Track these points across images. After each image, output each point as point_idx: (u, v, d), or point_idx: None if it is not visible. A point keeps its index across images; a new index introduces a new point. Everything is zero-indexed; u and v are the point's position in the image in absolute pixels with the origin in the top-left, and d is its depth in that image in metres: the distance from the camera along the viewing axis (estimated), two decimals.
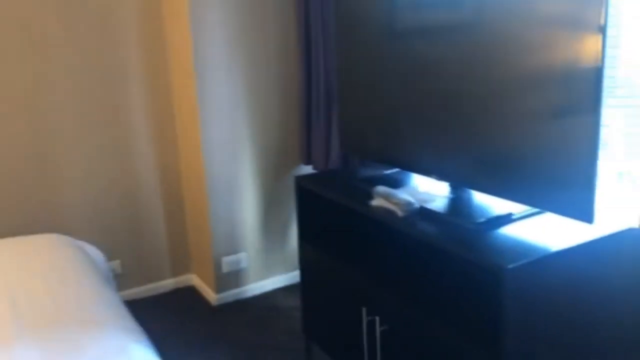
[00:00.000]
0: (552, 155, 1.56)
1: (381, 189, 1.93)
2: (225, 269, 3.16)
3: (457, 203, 1.89)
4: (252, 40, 2.97)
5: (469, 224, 1.69)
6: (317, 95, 2.97)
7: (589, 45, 1.42)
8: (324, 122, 2.95)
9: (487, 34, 1.69)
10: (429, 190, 2.01)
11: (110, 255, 3.08)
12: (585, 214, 1.50)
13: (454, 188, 1.99)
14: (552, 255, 1.48)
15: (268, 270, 3.31)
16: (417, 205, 1.84)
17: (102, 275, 2.16)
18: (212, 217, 3.05)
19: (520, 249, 1.51)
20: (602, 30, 1.39)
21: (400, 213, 1.82)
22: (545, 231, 1.62)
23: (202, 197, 3.07)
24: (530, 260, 1.45)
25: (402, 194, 1.87)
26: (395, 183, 2.13)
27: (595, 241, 1.55)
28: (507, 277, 1.42)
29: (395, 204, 1.84)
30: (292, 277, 3.37)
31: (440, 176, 1.97)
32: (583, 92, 1.45)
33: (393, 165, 2.23)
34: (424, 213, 1.83)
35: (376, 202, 1.93)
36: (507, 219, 1.71)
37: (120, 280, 3.10)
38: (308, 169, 3.25)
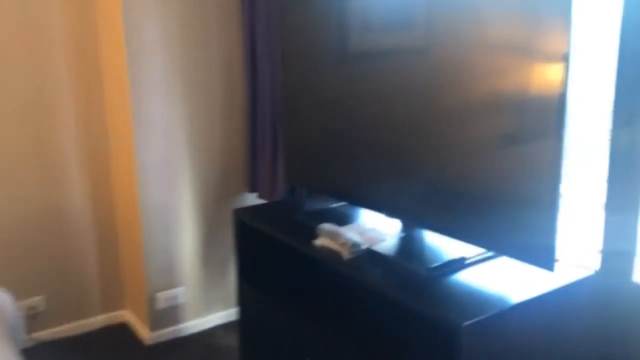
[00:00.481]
0: (509, 194, 1.42)
1: (326, 226, 1.76)
2: (160, 305, 2.91)
3: (408, 244, 1.73)
4: (194, 59, 2.77)
5: (420, 270, 1.53)
6: (263, 119, 2.80)
7: (551, 75, 1.30)
8: (270, 148, 2.77)
9: (442, 61, 1.55)
10: (378, 228, 1.85)
11: (30, 292, 2.79)
12: (545, 260, 1.36)
13: (405, 226, 1.84)
14: (510, 309, 1.33)
15: (207, 307, 3.07)
16: (364, 246, 1.67)
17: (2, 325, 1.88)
18: (146, 249, 2.81)
19: (476, 301, 1.36)
20: (565, 58, 1.27)
21: (345, 255, 1.65)
22: (501, 279, 1.48)
23: (135, 227, 2.83)
24: (488, 315, 1.29)
25: (349, 233, 1.71)
26: (343, 218, 1.96)
27: (556, 291, 1.42)
28: (463, 334, 1.26)
29: (341, 244, 1.67)
30: (233, 313, 3.14)
31: (391, 213, 1.81)
32: (544, 125, 1.32)
33: (340, 198, 2.07)
34: (372, 255, 1.66)
35: (320, 241, 1.75)
36: (460, 263, 1.57)
37: (43, 318, 2.82)
38: (253, 198, 3.06)
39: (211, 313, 3.09)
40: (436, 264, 1.54)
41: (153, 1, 2.60)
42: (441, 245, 1.69)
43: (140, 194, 2.74)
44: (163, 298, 2.91)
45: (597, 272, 1.60)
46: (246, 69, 2.83)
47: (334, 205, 2.12)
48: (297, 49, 2.12)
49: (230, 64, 2.88)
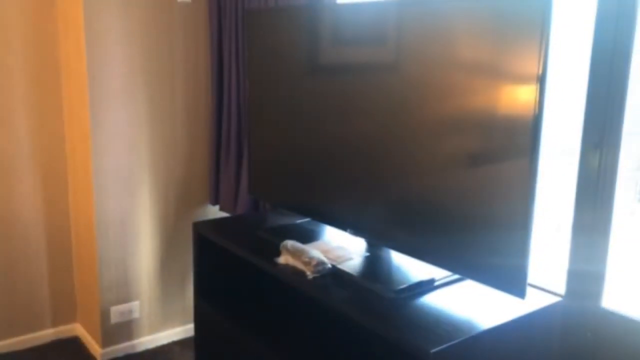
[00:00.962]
0: (478, 216, 1.38)
1: (289, 243, 1.69)
2: (114, 319, 2.78)
3: (374, 263, 1.67)
4: (157, 65, 2.68)
5: (386, 292, 1.47)
6: (228, 129, 2.72)
7: (525, 95, 1.26)
8: (235, 160, 2.69)
9: (410, 79, 1.51)
10: (344, 246, 1.78)
11: None
12: (516, 287, 1.32)
13: (371, 245, 1.78)
14: (479, 335, 1.28)
15: (164, 322, 2.96)
16: (329, 265, 1.60)
17: None
18: (101, 260, 2.69)
19: (445, 327, 1.30)
20: (540, 79, 1.24)
21: (309, 274, 1.58)
22: (470, 303, 1.43)
23: (90, 236, 2.71)
24: (457, 341, 1.24)
25: (313, 251, 1.64)
26: (307, 235, 1.90)
27: (525, 317, 1.37)
28: None
29: (305, 262, 1.60)
30: (191, 329, 3.02)
31: (356, 231, 1.75)
32: (517, 146, 1.28)
33: (304, 214, 2.00)
34: (337, 275, 1.59)
35: (284, 258, 1.68)
36: (428, 285, 1.51)
37: None
38: (215, 210, 2.96)
39: (168, 329, 2.97)
40: (403, 286, 1.48)
41: (116, 5, 2.51)
42: (408, 266, 1.63)
43: (96, 203, 2.62)
44: (117, 312, 2.79)
45: (564, 297, 1.56)
46: (212, 76, 2.75)
47: (298, 221, 2.05)
48: (264, 61, 2.05)
49: (195, 71, 2.80)
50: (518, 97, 1.28)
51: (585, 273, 1.63)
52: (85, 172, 2.65)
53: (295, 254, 1.64)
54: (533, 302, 1.43)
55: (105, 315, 2.76)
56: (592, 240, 1.62)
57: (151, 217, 2.80)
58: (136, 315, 2.85)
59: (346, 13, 1.72)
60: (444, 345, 1.21)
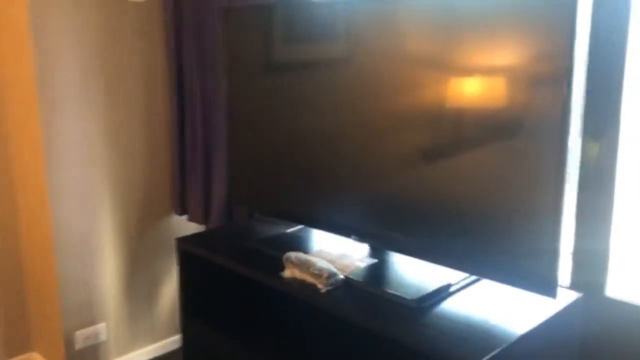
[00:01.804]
0: (501, 210, 1.34)
1: (294, 255, 1.60)
2: (79, 344, 2.59)
3: (384, 270, 1.61)
4: (112, 69, 2.50)
5: (408, 302, 1.41)
6: (193, 135, 2.57)
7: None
8: (202, 167, 2.55)
9: (401, 68, 1.45)
10: (347, 254, 1.71)
11: None
12: (546, 287, 1.29)
13: (375, 250, 1.72)
14: (518, 341, 1.25)
15: (133, 342, 2.78)
16: (341, 276, 1.52)
17: None
18: (61, 283, 2.48)
19: (480, 335, 1.26)
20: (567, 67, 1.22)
21: (322, 288, 1.49)
22: (493, 305, 1.40)
23: (47, 258, 2.49)
24: (498, 350, 1.19)
25: (321, 262, 1.55)
26: (303, 245, 1.81)
27: (555, 316, 1.35)
28: None
29: (316, 275, 1.51)
30: (162, 346, 2.87)
31: (360, 237, 1.68)
32: (545, 124, 1.25)
33: (295, 221, 1.91)
34: (350, 286, 1.52)
35: (289, 272, 1.58)
36: (445, 291, 1.47)
37: None
38: (180, 221, 2.81)
39: (137, 349, 2.80)
40: (423, 294, 1.43)
41: (65, 5, 2.31)
42: (419, 270, 1.58)
43: (54, 220, 2.41)
44: (82, 337, 2.59)
45: (569, 289, 1.56)
46: (171, 79, 2.59)
47: (289, 230, 1.96)
48: (243, 59, 1.94)
49: (153, 74, 2.63)
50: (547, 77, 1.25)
51: (588, 264, 1.64)
52: (38, 188, 2.44)
53: (302, 266, 1.55)
54: (560, 300, 1.41)
55: (69, 341, 2.56)
56: (594, 231, 1.63)
57: (114, 232, 2.62)
58: (103, 338, 2.67)
59: (327, 10, 1.65)
60: (488, 356, 1.17)
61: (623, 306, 1.61)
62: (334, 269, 1.53)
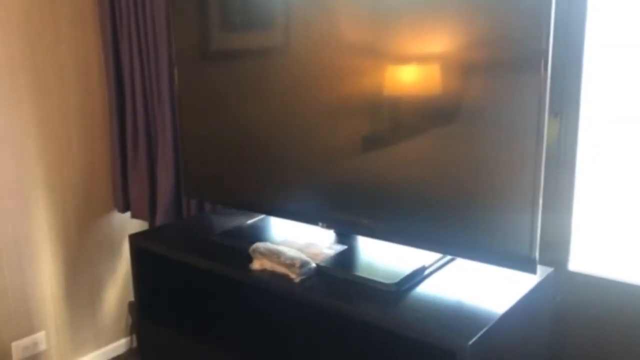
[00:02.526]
0: (475, 187, 1.33)
1: (262, 246, 1.53)
2: (17, 355, 2.41)
3: (355, 256, 1.57)
4: (43, 60, 2.32)
5: (387, 286, 1.37)
6: (134, 126, 2.43)
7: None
8: (145, 160, 2.42)
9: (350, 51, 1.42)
10: (313, 242, 1.66)
11: None
12: (524, 263, 1.29)
13: (340, 236, 1.67)
14: (503, 317, 1.24)
15: (77, 349, 2.62)
16: (313, 264, 1.47)
17: None
18: None
19: (465, 314, 1.24)
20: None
21: (295, 277, 1.43)
22: (471, 284, 1.39)
23: None
24: (486, 329, 1.18)
25: (292, 251, 1.49)
26: (267, 235, 1.74)
27: (533, 290, 1.36)
28: (468, 354, 1.13)
29: (288, 265, 1.45)
30: (108, 352, 2.72)
31: (328, 223, 1.63)
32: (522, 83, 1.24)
33: (257, 210, 1.83)
34: (324, 274, 1.47)
35: (259, 263, 1.51)
36: (421, 274, 1.44)
37: None
38: (123, 218, 2.66)
39: (81, 356, 2.64)
40: (401, 277, 1.40)
41: None
42: (387, 254, 1.55)
43: None
44: (20, 347, 2.42)
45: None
46: (108, 69, 2.43)
47: (250, 221, 1.88)
48: (188, 48, 1.84)
49: (88, 64, 2.47)
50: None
51: (552, 239, 1.67)
52: None
53: (272, 256, 1.48)
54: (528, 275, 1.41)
55: (5, 352, 2.37)
56: (557, 206, 1.66)
57: (50, 234, 2.44)
58: (43, 347, 2.49)
59: None
60: (477, 336, 1.15)
61: (587, 279, 1.65)
62: (305, 257, 1.47)
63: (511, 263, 1.30)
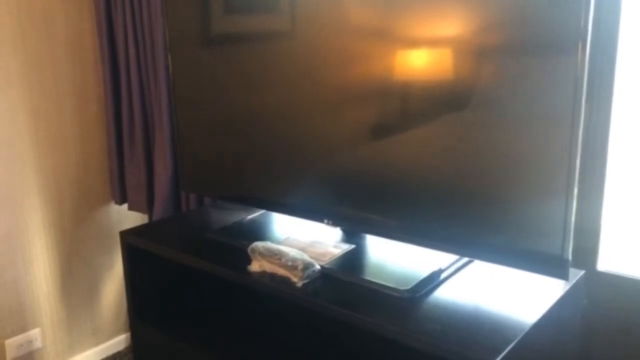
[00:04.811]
0: (499, 181, 1.18)
1: (261, 245, 1.39)
2: (11, 354, 2.31)
3: (364, 257, 1.43)
4: (34, 45, 2.18)
5: (399, 292, 1.23)
6: (130, 114, 2.30)
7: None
8: (142, 150, 2.29)
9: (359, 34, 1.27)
10: (319, 240, 1.52)
11: None
12: (555, 268, 1.14)
13: (350, 235, 1.53)
14: (530, 330, 1.10)
15: (74, 346, 2.51)
16: (317, 267, 1.33)
17: None
18: None
19: (488, 326, 1.10)
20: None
21: (298, 281, 1.30)
22: (492, 291, 1.24)
23: None
24: (514, 344, 1.04)
25: (294, 252, 1.36)
26: (268, 232, 1.61)
27: (565, 297, 1.21)
28: None
29: (290, 267, 1.31)
30: (106, 348, 2.62)
31: (334, 220, 1.49)
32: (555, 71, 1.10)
33: (256, 205, 1.69)
34: (329, 278, 1.33)
35: (258, 265, 1.38)
36: (437, 278, 1.30)
37: None
38: (120, 210, 2.54)
39: (78, 353, 2.53)
40: (415, 282, 1.26)
41: None
42: (398, 255, 1.41)
43: None
44: (14, 345, 2.31)
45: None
46: (103, 48, 2.29)
47: (249, 216, 1.74)
48: (184, 31, 1.69)
49: (81, 47, 2.33)
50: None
51: (580, 237, 1.52)
52: None
53: (273, 257, 1.35)
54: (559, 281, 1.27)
55: None
56: (586, 201, 1.51)
57: (45, 227, 2.32)
58: (38, 344, 2.38)
59: None
60: (506, 350, 1.01)
61: (616, 280, 1.51)
62: (309, 259, 1.33)
63: (539, 267, 1.16)
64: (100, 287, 2.56)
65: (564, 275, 1.13)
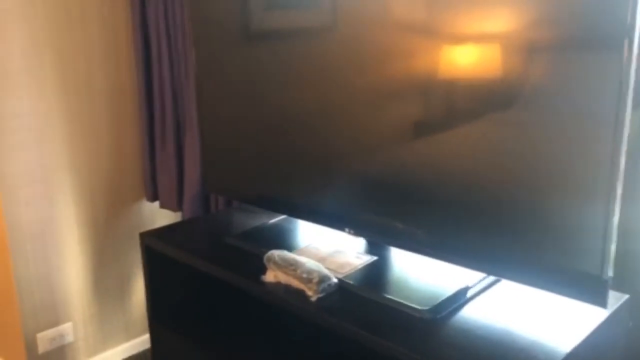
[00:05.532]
0: (533, 195, 1.07)
1: (277, 254, 1.32)
2: (43, 347, 2.33)
3: (386, 271, 1.34)
4: (68, 40, 2.18)
5: (420, 312, 1.14)
6: (162, 111, 2.27)
7: None
8: (174, 150, 2.26)
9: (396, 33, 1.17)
10: (340, 249, 1.44)
11: None
12: (593, 294, 1.03)
13: (373, 245, 1.45)
14: (568, 357, 0.99)
15: (104, 341, 2.52)
16: (334, 280, 1.25)
17: None
18: (19, 282, 2.21)
19: (515, 356, 0.99)
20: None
21: (312, 295, 1.22)
22: (522, 314, 1.14)
23: (1, 256, 2.20)
24: None
25: (310, 262, 1.28)
26: (289, 238, 1.54)
27: (604, 323, 1.10)
28: None
29: (304, 280, 1.24)
30: (136, 345, 2.62)
31: (356, 230, 1.41)
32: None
33: (277, 210, 1.62)
34: (346, 292, 1.25)
35: (272, 275, 1.31)
36: (463, 296, 1.20)
37: None
38: (153, 208, 2.53)
39: (110, 348, 2.54)
40: (438, 302, 1.16)
41: None
42: (424, 269, 1.32)
43: (6, 213, 2.12)
44: (46, 339, 2.33)
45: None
46: (137, 51, 2.27)
47: (272, 220, 1.68)
48: (211, 28, 1.64)
49: (115, 43, 2.31)
50: None
51: (624, 253, 1.39)
52: None
53: (288, 268, 1.28)
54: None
55: (30, 344, 2.29)
56: (630, 213, 1.37)
57: (77, 223, 2.33)
58: (70, 339, 2.40)
59: None
60: None
61: None
62: (325, 271, 1.25)
63: (574, 292, 1.04)
64: (132, 284, 2.56)
65: (601, 302, 1.01)
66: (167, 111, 2.23)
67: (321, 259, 1.34)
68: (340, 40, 1.32)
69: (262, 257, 1.35)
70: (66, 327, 2.38)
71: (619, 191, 0.98)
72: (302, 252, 1.39)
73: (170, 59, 2.16)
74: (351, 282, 1.26)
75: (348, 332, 1.11)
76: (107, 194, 2.40)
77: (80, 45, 2.21)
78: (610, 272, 1.00)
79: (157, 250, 1.57)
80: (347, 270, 1.31)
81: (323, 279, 1.23)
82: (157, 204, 2.49)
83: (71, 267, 2.35)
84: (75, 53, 2.20)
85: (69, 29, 2.17)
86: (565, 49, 0.99)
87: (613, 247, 1.00)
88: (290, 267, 1.27)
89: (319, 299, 1.22)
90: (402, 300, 1.17)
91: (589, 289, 1.02)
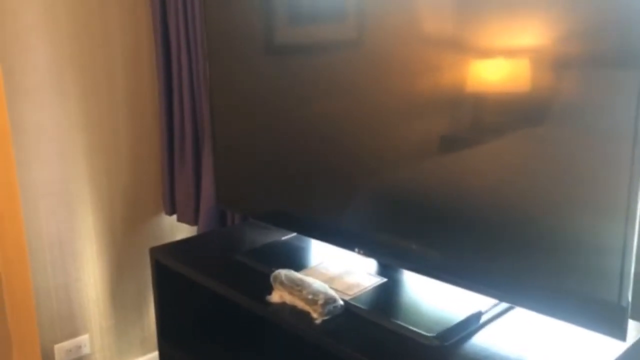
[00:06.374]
0: (552, 218, 1.02)
1: (283, 274, 1.29)
2: (59, 359, 2.34)
3: (395, 294, 1.30)
4: (89, 53, 2.20)
5: (427, 339, 1.09)
6: (182, 124, 2.27)
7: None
8: (192, 162, 2.25)
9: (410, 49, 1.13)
10: (349, 270, 1.40)
11: None
12: (610, 326, 0.97)
13: (383, 266, 1.40)
14: None
15: (121, 354, 2.52)
16: (340, 302, 1.21)
17: None
18: (37, 292, 2.22)
19: None
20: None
21: (317, 317, 1.19)
22: (536, 343, 1.08)
23: (20, 266, 2.22)
24: None
25: (316, 283, 1.25)
26: (298, 257, 1.50)
27: (626, 354, 1.03)
28: None
29: (309, 301, 1.20)
30: (154, 358, 2.60)
31: (366, 250, 1.36)
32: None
33: (289, 227, 1.59)
34: (353, 315, 1.21)
35: (278, 295, 1.28)
36: (475, 323, 1.15)
37: None
38: (172, 221, 2.52)
39: None
40: (445, 328, 1.11)
41: None
42: (435, 292, 1.27)
43: (26, 224, 2.14)
44: (63, 350, 2.34)
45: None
46: (158, 64, 2.28)
47: (283, 237, 1.65)
48: (226, 42, 1.63)
49: (137, 56, 2.33)
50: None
51: None
52: (7, 188, 2.16)
53: (294, 289, 1.24)
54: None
55: (48, 355, 2.30)
56: None
57: (96, 234, 2.34)
58: (86, 350, 2.40)
59: None
60: None
61: None
62: (331, 293, 1.22)
63: (590, 323, 0.98)
64: (149, 297, 2.55)
65: (620, 334, 0.95)
66: (187, 125, 2.23)
67: (329, 280, 1.31)
68: (364, 55, 1.28)
69: (269, 276, 1.32)
70: (83, 339, 2.39)
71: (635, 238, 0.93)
72: (311, 272, 1.35)
73: (190, 75, 2.17)
74: (358, 304, 1.22)
75: (351, 358, 1.07)
76: (127, 206, 2.41)
77: (102, 60, 2.23)
78: (628, 307, 0.94)
79: (166, 266, 1.55)
80: (355, 292, 1.27)
81: (328, 300, 1.20)
82: (174, 217, 2.49)
83: (89, 278, 2.36)
84: (96, 68, 2.22)
85: (91, 45, 2.19)
86: (592, 65, 0.94)
87: (629, 289, 0.94)
88: (296, 287, 1.24)
89: (323, 322, 1.18)
90: (408, 326, 1.12)
91: (607, 318, 0.96)
